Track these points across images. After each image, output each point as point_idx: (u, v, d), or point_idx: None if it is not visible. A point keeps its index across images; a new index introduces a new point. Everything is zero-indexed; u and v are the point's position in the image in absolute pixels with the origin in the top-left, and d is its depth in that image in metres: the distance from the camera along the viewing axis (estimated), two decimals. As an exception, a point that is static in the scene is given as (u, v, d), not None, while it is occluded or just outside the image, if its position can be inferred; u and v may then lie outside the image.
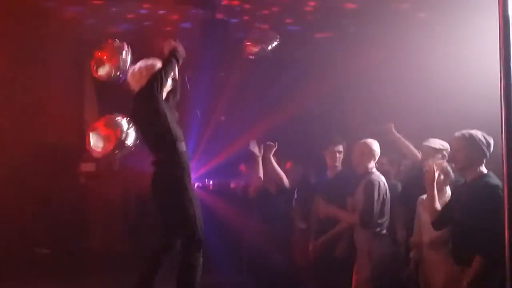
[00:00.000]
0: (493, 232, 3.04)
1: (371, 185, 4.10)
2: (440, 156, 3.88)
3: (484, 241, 3.09)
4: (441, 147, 3.91)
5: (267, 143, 5.00)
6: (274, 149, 4.97)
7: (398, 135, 4.45)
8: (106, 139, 3.97)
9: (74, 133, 7.48)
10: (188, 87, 4.01)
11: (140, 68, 3.74)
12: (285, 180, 4.99)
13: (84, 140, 7.40)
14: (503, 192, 2.98)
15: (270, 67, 6.52)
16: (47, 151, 7.19)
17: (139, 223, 6.78)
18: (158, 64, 3.70)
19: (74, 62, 7.58)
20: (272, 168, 4.97)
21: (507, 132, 2.36)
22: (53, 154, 7.18)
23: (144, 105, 3.63)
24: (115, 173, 7.25)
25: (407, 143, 4.41)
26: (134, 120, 3.82)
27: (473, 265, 3.15)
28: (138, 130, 3.82)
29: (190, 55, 3.77)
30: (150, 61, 3.76)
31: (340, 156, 4.77)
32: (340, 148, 4.77)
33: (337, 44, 5.94)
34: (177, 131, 3.66)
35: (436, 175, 3.43)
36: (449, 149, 3.88)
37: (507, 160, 2.37)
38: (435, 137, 4.03)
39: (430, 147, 3.96)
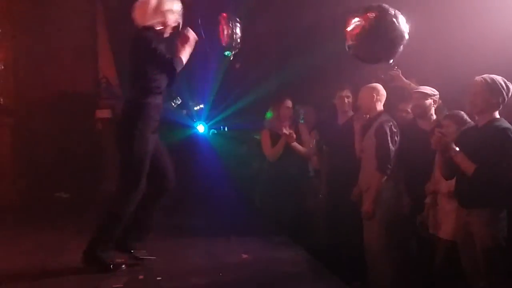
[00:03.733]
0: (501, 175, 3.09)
1: (382, 128, 4.12)
2: (431, 101, 3.92)
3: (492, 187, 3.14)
4: (432, 92, 3.96)
5: None
6: None
7: (406, 80, 4.43)
8: None
9: (89, 80, 7.54)
10: (203, 35, 3.93)
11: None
12: None
13: (99, 87, 7.58)
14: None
15: (281, 13, 6.44)
16: (64, 99, 7.28)
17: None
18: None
19: (87, 9, 7.55)
20: None
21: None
22: (70, 101, 7.26)
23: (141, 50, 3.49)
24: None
25: (418, 87, 4.37)
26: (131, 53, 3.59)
27: None
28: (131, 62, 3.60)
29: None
30: None
31: (348, 101, 4.81)
32: (347, 93, 4.81)
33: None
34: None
35: (448, 140, 3.35)
36: (438, 95, 3.95)
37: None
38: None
39: (421, 92, 4.01)
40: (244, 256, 4.15)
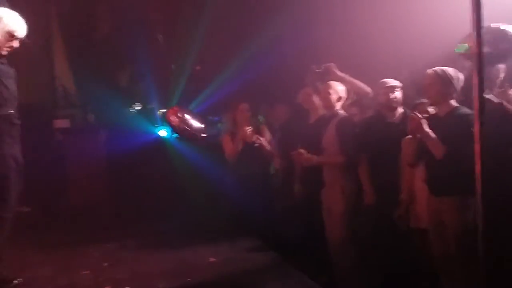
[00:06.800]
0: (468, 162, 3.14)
1: (343, 122, 4.16)
2: (397, 92, 3.99)
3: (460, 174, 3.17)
4: (397, 84, 4.01)
5: None
6: None
7: (341, 74, 4.43)
8: None
9: (45, 90, 7.36)
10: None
11: None
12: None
13: (56, 96, 7.39)
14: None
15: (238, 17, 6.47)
16: (19, 109, 7.06)
17: (117, 177, 6.78)
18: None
19: (41, 17, 7.37)
20: None
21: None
22: (25, 111, 7.03)
23: None
24: (91, 128, 7.20)
25: (354, 80, 4.39)
26: None
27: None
28: None
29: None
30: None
31: (313, 99, 4.56)
32: (310, 90, 4.61)
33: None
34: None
35: (423, 121, 3.40)
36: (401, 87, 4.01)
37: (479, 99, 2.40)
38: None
39: (389, 86, 4.03)
40: (212, 259, 4.12)
